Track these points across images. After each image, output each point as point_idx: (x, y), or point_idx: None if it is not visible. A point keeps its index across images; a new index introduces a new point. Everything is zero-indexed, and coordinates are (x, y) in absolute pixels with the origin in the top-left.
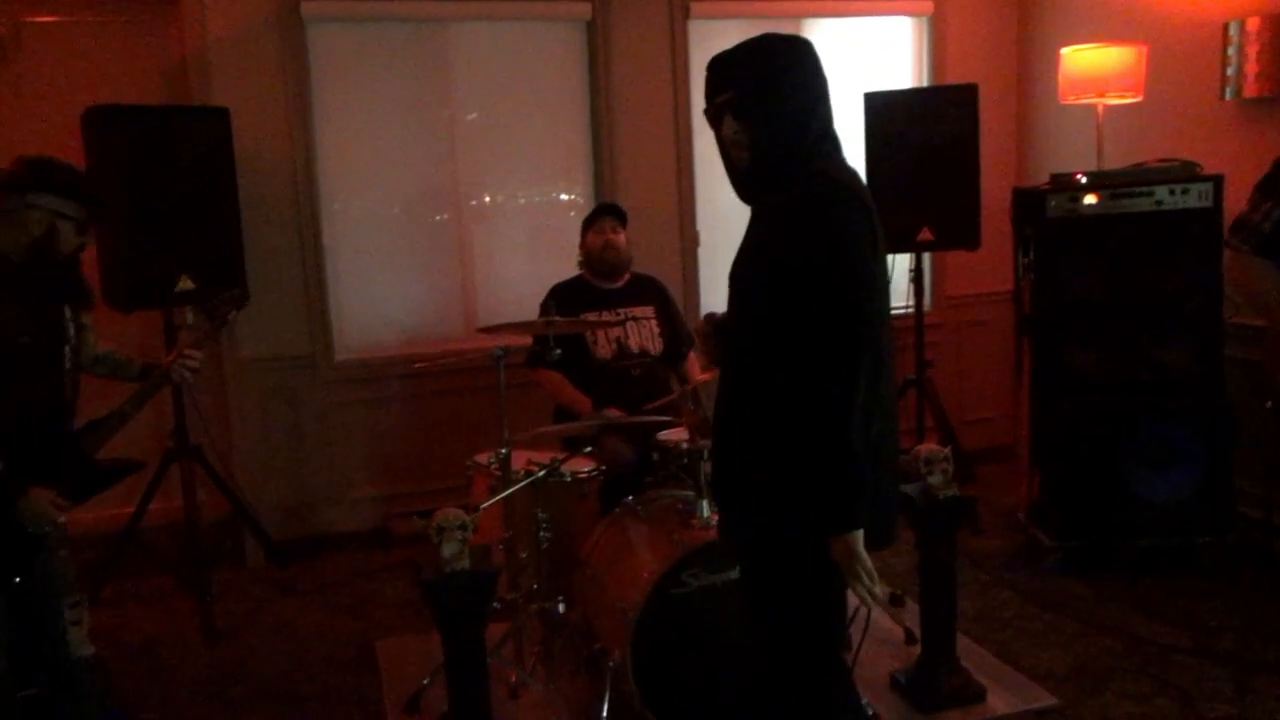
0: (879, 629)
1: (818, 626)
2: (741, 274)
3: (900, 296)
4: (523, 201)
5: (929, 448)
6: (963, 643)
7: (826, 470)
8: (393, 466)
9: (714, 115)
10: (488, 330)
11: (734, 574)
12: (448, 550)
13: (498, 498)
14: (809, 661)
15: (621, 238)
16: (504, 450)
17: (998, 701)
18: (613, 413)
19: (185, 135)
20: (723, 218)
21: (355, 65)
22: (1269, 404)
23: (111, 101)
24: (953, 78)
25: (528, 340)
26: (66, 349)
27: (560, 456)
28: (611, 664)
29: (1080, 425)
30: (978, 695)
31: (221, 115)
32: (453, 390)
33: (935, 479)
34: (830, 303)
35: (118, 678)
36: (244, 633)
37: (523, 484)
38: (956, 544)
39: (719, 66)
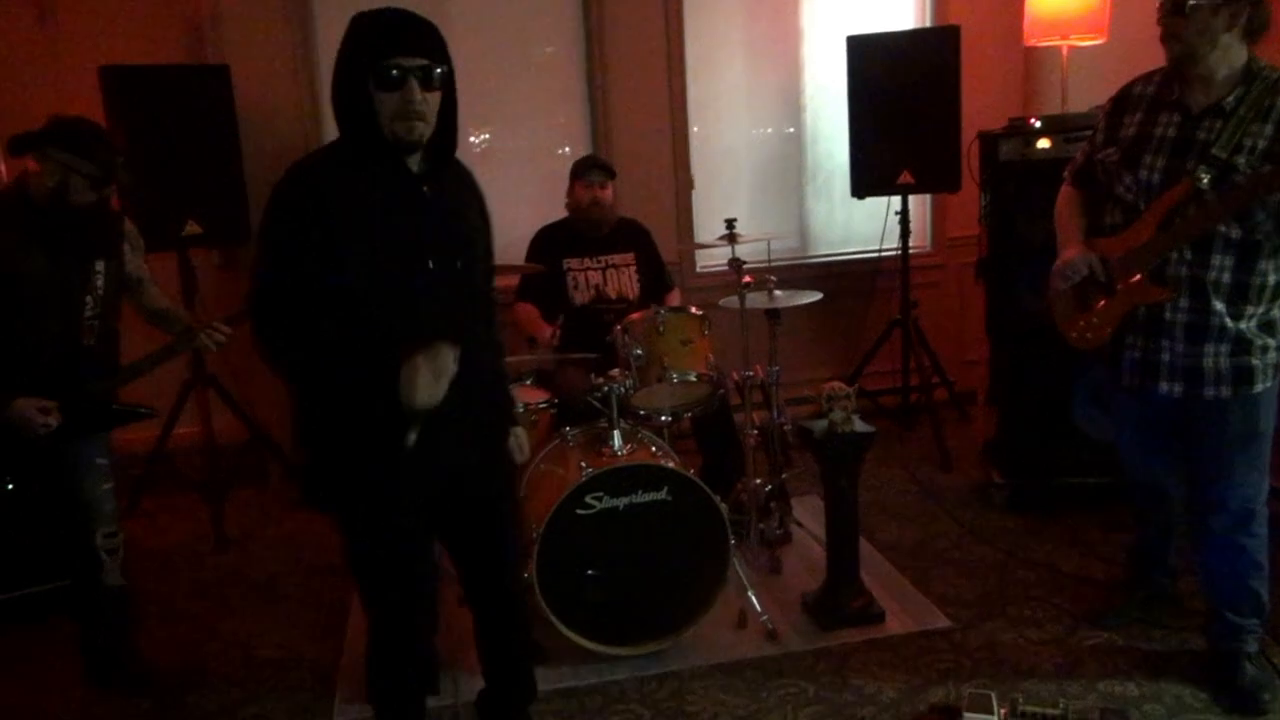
0: (812, 554)
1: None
2: (472, 239)
3: (892, 238)
4: (522, 145)
5: (832, 386)
6: (885, 569)
7: None
8: None
9: (425, 79)
10: None
11: (636, 498)
12: None
13: None
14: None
15: (609, 192)
16: None
17: (895, 623)
18: (545, 346)
19: (190, 92)
20: (715, 162)
21: None
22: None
23: (135, 61)
24: (955, 18)
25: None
26: (89, 297)
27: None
28: (525, 577)
29: (1031, 366)
30: (878, 616)
31: (221, 73)
32: None
33: (836, 415)
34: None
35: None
36: (251, 542)
37: None
38: (858, 474)
39: (437, 36)
